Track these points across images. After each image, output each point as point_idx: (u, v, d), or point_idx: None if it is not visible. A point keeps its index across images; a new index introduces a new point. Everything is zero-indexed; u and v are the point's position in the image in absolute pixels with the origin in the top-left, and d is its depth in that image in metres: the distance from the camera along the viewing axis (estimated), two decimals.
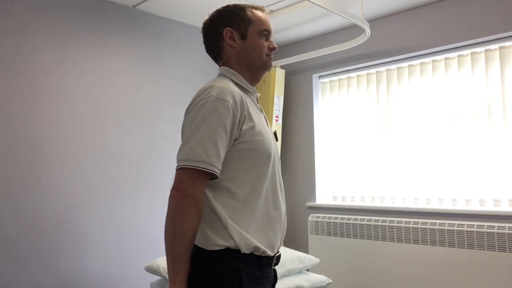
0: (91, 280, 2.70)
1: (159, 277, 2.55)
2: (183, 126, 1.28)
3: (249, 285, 1.22)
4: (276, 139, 1.42)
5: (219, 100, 1.21)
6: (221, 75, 1.38)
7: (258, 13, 1.39)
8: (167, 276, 1.84)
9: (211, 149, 1.18)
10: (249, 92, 1.38)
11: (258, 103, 1.42)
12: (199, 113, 1.21)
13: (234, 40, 1.36)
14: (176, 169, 1.20)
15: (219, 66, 1.41)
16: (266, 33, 1.38)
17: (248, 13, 1.37)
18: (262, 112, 1.41)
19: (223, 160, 1.23)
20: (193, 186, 1.17)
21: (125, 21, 2.99)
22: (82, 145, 2.72)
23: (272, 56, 1.41)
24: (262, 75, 1.42)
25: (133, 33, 3.03)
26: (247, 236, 1.22)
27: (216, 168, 1.19)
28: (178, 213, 1.16)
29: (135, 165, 2.98)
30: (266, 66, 1.39)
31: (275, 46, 1.40)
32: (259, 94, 1.50)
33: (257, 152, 1.26)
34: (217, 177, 1.21)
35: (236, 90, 1.27)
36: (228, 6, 1.39)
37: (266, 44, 1.37)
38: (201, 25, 3.42)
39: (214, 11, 1.41)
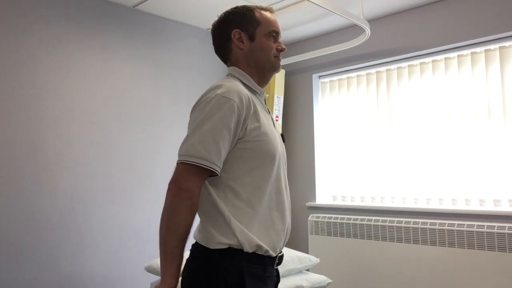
0: (91, 280, 2.70)
1: (159, 277, 2.54)
2: (188, 123, 1.28)
3: (252, 284, 1.21)
4: (284, 141, 1.41)
5: (224, 98, 1.21)
6: (230, 75, 1.37)
7: (267, 14, 1.38)
8: None
9: (212, 147, 1.18)
10: (257, 93, 1.38)
11: (266, 104, 1.42)
12: (204, 110, 1.22)
13: (242, 42, 1.35)
14: (176, 163, 1.21)
15: (228, 67, 1.40)
16: (274, 34, 1.37)
17: (257, 14, 1.36)
18: (269, 113, 1.40)
19: (227, 159, 1.24)
20: (189, 181, 1.17)
21: (125, 21, 2.98)
22: (82, 145, 2.72)
23: (280, 58, 1.40)
24: (271, 77, 1.42)
25: (133, 33, 3.02)
26: (250, 234, 1.22)
27: (215, 165, 1.19)
28: (173, 206, 1.17)
29: (135, 165, 2.97)
30: (275, 68, 1.38)
31: (284, 47, 1.39)
32: (267, 95, 1.51)
33: (262, 152, 1.25)
34: (217, 174, 1.21)
35: (244, 90, 1.27)
36: (236, 8, 1.38)
37: (274, 45, 1.37)
38: (200, 25, 3.46)
39: (223, 13, 1.39)
